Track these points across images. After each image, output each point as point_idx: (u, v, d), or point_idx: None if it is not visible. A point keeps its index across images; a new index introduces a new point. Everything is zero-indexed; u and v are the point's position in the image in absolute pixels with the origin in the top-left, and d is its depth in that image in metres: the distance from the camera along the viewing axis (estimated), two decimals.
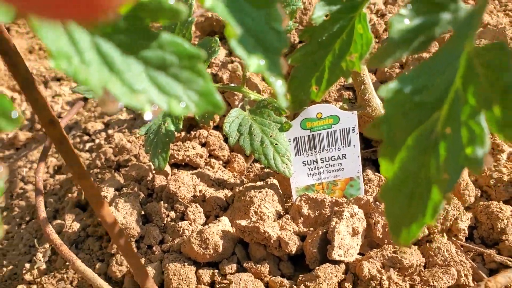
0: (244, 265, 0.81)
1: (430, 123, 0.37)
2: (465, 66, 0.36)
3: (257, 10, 0.36)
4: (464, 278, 0.80)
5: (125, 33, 0.31)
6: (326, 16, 0.53)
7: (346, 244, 0.78)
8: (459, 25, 0.36)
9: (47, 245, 0.97)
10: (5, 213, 1.22)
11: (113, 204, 0.91)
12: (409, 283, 0.77)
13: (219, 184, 1.02)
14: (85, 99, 1.25)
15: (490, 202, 0.90)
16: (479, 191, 0.96)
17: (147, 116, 0.32)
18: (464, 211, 0.90)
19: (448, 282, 0.77)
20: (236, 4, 0.36)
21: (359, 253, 0.82)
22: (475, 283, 0.81)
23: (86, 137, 1.34)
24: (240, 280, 0.76)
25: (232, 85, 1.06)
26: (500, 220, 0.86)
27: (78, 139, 1.34)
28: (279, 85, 0.36)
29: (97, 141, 1.27)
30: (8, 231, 1.15)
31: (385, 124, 0.37)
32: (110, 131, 1.30)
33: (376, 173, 0.97)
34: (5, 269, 1.01)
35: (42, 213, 0.82)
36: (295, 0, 0.89)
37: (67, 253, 0.71)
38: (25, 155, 1.42)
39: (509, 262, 0.83)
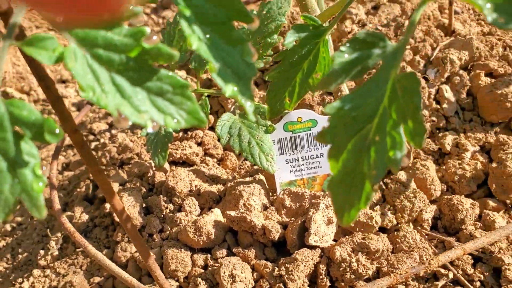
0: (233, 250, 0.93)
1: (365, 132, 0.48)
2: (390, 89, 0.47)
3: (233, 47, 0.48)
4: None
5: (133, 70, 0.42)
6: (296, 41, 0.64)
7: (322, 231, 0.89)
8: (387, 58, 0.48)
9: (59, 234, 1.08)
10: (18, 207, 1.33)
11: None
12: (376, 266, 0.88)
13: (213, 180, 1.13)
14: (91, 103, 1.36)
15: (453, 195, 1.02)
16: (445, 186, 1.07)
17: (149, 130, 0.44)
18: (429, 203, 1.01)
19: (411, 265, 0.89)
20: (216, 45, 0.47)
21: (334, 240, 0.93)
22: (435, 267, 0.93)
23: (91, 137, 1.45)
24: (229, 262, 0.87)
25: None
26: (460, 212, 0.98)
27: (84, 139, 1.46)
28: (249, 105, 0.47)
29: (102, 140, 1.38)
30: (21, 223, 1.26)
31: (330, 133, 0.48)
32: (113, 131, 1.41)
33: None
34: (20, 256, 1.13)
35: (57, 205, 0.93)
36: (280, 16, 1.00)
37: (79, 239, 0.83)
38: None
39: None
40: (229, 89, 0.46)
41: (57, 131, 0.38)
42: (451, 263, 0.93)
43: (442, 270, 0.92)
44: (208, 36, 0.47)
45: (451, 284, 0.91)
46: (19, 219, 1.27)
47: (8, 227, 1.25)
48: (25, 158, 0.39)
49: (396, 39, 1.28)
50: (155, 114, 0.44)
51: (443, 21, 1.37)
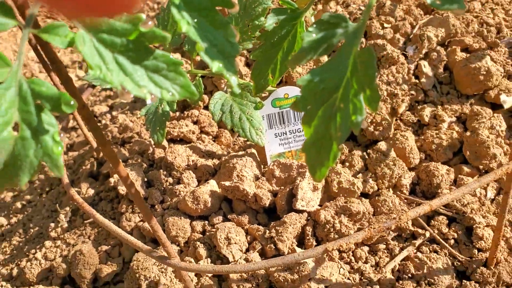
0: (229, 217, 1.01)
1: (332, 100, 0.56)
2: (352, 64, 0.55)
3: (217, 30, 0.56)
4: (405, 223, 1.00)
5: (133, 51, 0.50)
6: (276, 23, 0.72)
7: (308, 197, 0.98)
8: (349, 37, 0.56)
9: (67, 208, 1.17)
10: (27, 186, 1.42)
11: None
12: (358, 227, 0.97)
13: (209, 155, 1.22)
14: (92, 86, 1.44)
15: (430, 163, 1.10)
16: (424, 155, 1.16)
17: (148, 101, 0.52)
18: (408, 170, 1.10)
19: (391, 226, 0.97)
20: (203, 27, 0.55)
21: (319, 205, 1.02)
22: (414, 227, 1.02)
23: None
24: (225, 227, 0.96)
25: None
26: (436, 177, 1.06)
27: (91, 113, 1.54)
28: (233, 79, 0.55)
29: (103, 121, 1.46)
30: (31, 200, 1.35)
31: (302, 103, 0.56)
32: (114, 113, 1.49)
33: None
34: (32, 230, 1.22)
35: (65, 179, 1.01)
36: (266, 0, 1.08)
37: (88, 209, 0.91)
38: None
39: (440, 209, 1.03)
40: (215, 65, 0.54)
41: (71, 102, 0.46)
42: (428, 223, 1.02)
43: (420, 230, 1.01)
44: (195, 20, 0.55)
45: (428, 242, 1.00)
46: (28, 197, 1.36)
47: (18, 204, 1.34)
48: (45, 127, 0.47)
49: (378, 18, 1.36)
50: (153, 88, 0.52)
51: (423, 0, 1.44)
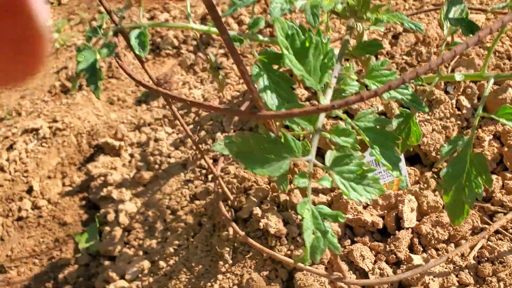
0: (355, 239, 1.44)
1: (460, 180, 0.99)
2: (469, 160, 0.98)
3: (388, 151, 0.98)
4: (476, 223, 1.44)
5: (358, 179, 0.92)
6: (397, 124, 1.15)
7: (410, 217, 1.41)
8: (464, 145, 0.98)
9: (227, 248, 1.60)
10: (169, 233, 1.83)
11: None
12: (447, 234, 1.40)
13: (315, 191, 1.64)
14: (223, 155, 1.85)
15: None
16: None
17: (368, 201, 0.94)
18: None
19: (468, 227, 1.41)
20: (384, 153, 0.97)
21: (417, 221, 1.45)
22: (483, 224, 1.46)
23: (203, 171, 1.94)
24: (357, 248, 1.39)
25: None
26: None
27: (198, 173, 1.96)
28: (402, 177, 0.98)
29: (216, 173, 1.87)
30: (180, 244, 1.77)
31: (444, 183, 0.99)
32: (222, 165, 1.91)
33: (411, 168, 1.59)
34: (196, 268, 1.64)
35: (239, 231, 1.43)
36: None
37: (251, 242, 1.33)
38: (158, 189, 2.03)
39: (499, 209, 1.47)
40: (395, 174, 0.97)
41: (344, 216, 0.88)
42: (491, 220, 1.46)
43: (487, 226, 1.44)
44: (379, 151, 0.97)
45: (494, 233, 1.44)
46: (176, 242, 1.77)
47: (171, 249, 1.75)
48: (327, 229, 0.89)
49: (419, 65, 1.78)
50: (366, 195, 0.94)
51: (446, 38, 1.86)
